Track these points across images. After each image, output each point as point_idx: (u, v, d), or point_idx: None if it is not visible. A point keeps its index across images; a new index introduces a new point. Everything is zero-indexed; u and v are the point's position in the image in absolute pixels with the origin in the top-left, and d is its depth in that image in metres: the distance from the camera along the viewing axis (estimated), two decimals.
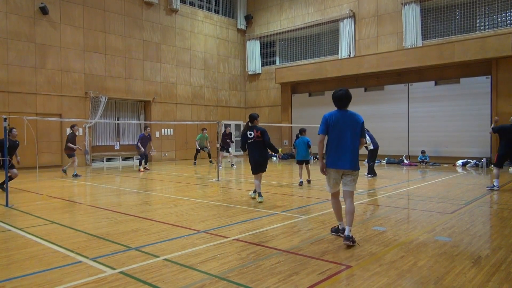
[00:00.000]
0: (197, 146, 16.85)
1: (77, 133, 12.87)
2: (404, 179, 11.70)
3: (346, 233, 4.59)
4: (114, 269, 3.83)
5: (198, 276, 3.63)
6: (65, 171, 12.96)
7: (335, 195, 4.94)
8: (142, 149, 14.50)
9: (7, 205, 7.25)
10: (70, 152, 12.58)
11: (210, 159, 17.66)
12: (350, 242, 4.51)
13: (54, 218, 6.29)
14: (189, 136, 20.42)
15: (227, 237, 4.97)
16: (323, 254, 4.27)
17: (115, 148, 18.38)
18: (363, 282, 3.48)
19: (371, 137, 11.84)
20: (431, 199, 7.82)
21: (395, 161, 16.92)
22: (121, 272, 3.74)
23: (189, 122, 18.89)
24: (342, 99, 4.77)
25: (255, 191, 7.81)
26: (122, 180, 12.07)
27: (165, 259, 4.12)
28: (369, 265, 3.92)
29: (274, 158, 20.53)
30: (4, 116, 7.37)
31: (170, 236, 5.07)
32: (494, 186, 8.99)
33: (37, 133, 14.40)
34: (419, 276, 3.60)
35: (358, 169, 4.75)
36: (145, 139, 14.80)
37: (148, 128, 15.32)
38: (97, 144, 17.60)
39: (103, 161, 17.50)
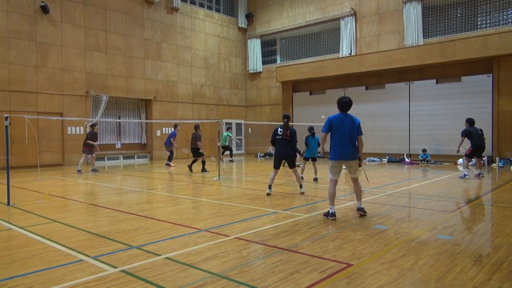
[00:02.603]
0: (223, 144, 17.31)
1: (96, 131, 13.76)
2: (405, 178, 11.70)
3: (358, 206, 6.08)
4: (115, 267, 3.84)
5: (199, 275, 3.63)
6: (95, 170, 13.52)
7: (334, 182, 6.06)
8: (176, 145, 15.41)
9: (8, 203, 7.26)
10: (86, 149, 13.42)
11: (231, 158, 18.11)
12: (363, 212, 6.02)
13: (56, 216, 6.30)
14: (190, 135, 20.35)
15: (228, 236, 4.98)
16: (324, 252, 4.27)
17: (116, 147, 18.40)
18: (364, 280, 3.48)
19: None
20: (432, 198, 7.82)
21: (396, 159, 16.91)
22: (122, 271, 3.74)
23: (190, 121, 18.86)
24: (346, 105, 6.01)
25: (269, 187, 8.22)
26: (123, 179, 12.09)
27: (166, 258, 4.13)
28: (370, 263, 3.92)
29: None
30: (6, 115, 7.38)
31: (171, 235, 5.08)
32: (466, 175, 10.76)
33: (38, 132, 14.42)
34: (420, 275, 3.60)
35: (356, 159, 6.02)
36: (174, 136, 15.58)
37: (178, 126, 15.86)
38: (98, 143, 17.56)
39: (104, 160, 17.52)
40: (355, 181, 6.15)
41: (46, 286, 3.39)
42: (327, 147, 6.38)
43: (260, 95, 23.58)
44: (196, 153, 13.50)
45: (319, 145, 10.84)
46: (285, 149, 8.12)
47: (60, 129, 15.94)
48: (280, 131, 8.13)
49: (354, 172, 6.08)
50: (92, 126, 13.68)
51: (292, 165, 8.28)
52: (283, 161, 8.79)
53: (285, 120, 8.12)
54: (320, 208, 6.77)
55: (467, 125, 11.08)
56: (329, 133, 6.05)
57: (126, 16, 18.01)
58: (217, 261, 4.01)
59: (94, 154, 13.69)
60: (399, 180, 10.85)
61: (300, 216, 6.14)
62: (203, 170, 13.42)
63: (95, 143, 13.45)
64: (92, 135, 13.49)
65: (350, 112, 6.13)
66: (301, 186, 8.34)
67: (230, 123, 22.72)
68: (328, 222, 5.67)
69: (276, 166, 8.29)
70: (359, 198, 6.14)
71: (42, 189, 9.40)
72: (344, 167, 6.18)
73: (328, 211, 5.94)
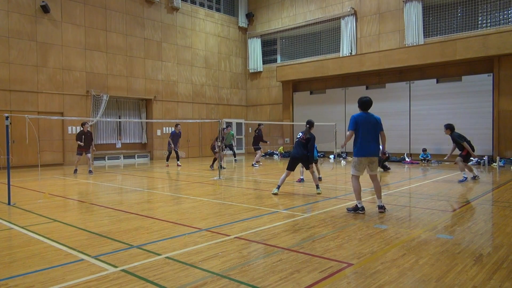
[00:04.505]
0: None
1: (87, 130, 13.13)
2: (405, 177, 11.69)
3: (379, 204, 6.32)
4: (116, 267, 3.84)
5: (199, 274, 3.63)
6: (90, 171, 13.20)
7: (357, 177, 6.33)
8: (172, 145, 15.56)
9: (9, 203, 7.27)
10: (77, 150, 13.13)
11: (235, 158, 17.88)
12: (384, 210, 6.26)
13: (56, 216, 6.31)
14: (191, 134, 20.43)
15: (229, 235, 4.98)
16: (324, 252, 4.27)
17: (117, 147, 18.40)
18: (365, 280, 3.48)
19: None
20: (433, 197, 7.81)
21: (396, 159, 16.90)
22: (123, 270, 3.75)
23: (191, 121, 18.90)
24: (367, 104, 6.31)
25: (278, 187, 8.26)
26: (123, 178, 12.10)
27: (167, 257, 4.13)
28: (371, 263, 3.92)
29: (275, 157, 20.53)
30: (6, 115, 7.38)
31: (172, 234, 5.08)
32: (466, 178, 10.23)
33: (39, 132, 14.43)
34: (420, 274, 3.60)
35: (378, 155, 6.37)
36: (175, 136, 15.63)
37: (179, 126, 15.83)
38: (99, 143, 17.62)
39: (104, 160, 17.53)
40: (375, 178, 6.41)
41: (46, 286, 3.39)
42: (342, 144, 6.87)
43: (261, 95, 23.58)
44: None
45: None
46: (301, 151, 8.19)
47: (60, 128, 15.95)
48: (299, 135, 8.35)
49: (375, 169, 6.38)
50: (82, 125, 13.10)
51: (307, 167, 8.34)
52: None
53: (307, 126, 8.40)
54: (321, 208, 6.78)
55: (448, 131, 10.53)
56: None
57: (126, 15, 18.01)
58: (218, 260, 4.01)
59: (88, 155, 13.14)
60: (400, 180, 10.84)
61: (300, 216, 6.14)
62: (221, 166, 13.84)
63: (82, 143, 12.77)
64: (79, 135, 12.92)
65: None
66: (317, 187, 8.35)
67: (230, 122, 22.74)
68: (328, 222, 5.67)
69: (290, 168, 8.28)
70: (379, 196, 6.38)
71: (43, 189, 9.41)
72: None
73: (356, 205, 6.22)
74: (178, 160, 15.94)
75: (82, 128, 13.07)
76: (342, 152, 18.44)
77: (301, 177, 10.35)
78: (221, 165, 12.96)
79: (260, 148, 15.89)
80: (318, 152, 11.21)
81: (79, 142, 12.88)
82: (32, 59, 15.18)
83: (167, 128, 19.56)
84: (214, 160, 13.96)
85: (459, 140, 10.40)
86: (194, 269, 3.77)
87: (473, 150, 10.51)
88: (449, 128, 10.60)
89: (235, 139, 17.95)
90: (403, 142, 17.49)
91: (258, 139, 15.67)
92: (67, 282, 3.46)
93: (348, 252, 4.27)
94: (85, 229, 5.40)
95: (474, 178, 10.41)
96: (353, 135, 6.28)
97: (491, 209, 6.87)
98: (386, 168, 13.00)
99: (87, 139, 13.00)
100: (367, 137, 6.18)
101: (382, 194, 6.48)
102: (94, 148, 13.56)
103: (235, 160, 17.33)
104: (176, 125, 15.72)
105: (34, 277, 3.61)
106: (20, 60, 14.86)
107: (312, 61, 20.36)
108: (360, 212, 6.16)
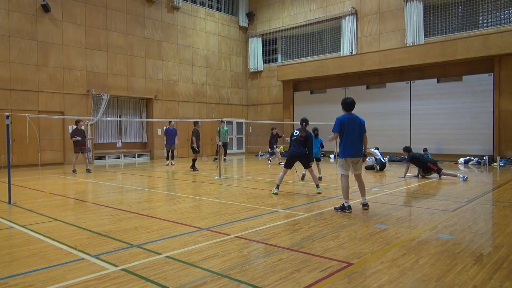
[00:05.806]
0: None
1: (81, 128, 13.04)
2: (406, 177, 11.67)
3: (363, 201, 6.53)
4: (116, 266, 3.84)
5: (200, 273, 3.64)
6: (88, 170, 13.17)
7: (346, 177, 6.43)
8: (165, 143, 15.94)
9: (9, 202, 7.28)
10: (75, 148, 13.02)
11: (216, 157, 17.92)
12: (367, 207, 6.46)
13: (57, 215, 6.31)
14: (191, 134, 20.37)
15: (229, 235, 4.98)
16: (324, 251, 4.27)
17: (117, 146, 18.41)
18: (365, 279, 3.48)
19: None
20: (433, 197, 7.81)
21: (397, 158, 16.89)
22: (123, 269, 3.75)
23: (191, 120, 18.87)
24: (351, 105, 6.43)
25: (277, 187, 8.22)
26: (124, 178, 12.10)
27: (167, 257, 4.13)
28: (371, 262, 3.92)
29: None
30: (7, 114, 7.39)
31: (172, 234, 5.08)
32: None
33: (39, 131, 14.44)
34: (420, 274, 3.60)
35: (362, 156, 6.47)
36: (168, 133, 15.79)
37: (172, 122, 15.89)
38: (99, 142, 17.63)
39: (105, 159, 17.54)
40: (359, 177, 6.55)
41: (47, 285, 3.39)
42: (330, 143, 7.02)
43: (261, 94, 23.57)
44: (193, 150, 14.10)
45: (322, 147, 11.12)
46: (299, 149, 8.11)
47: (61, 127, 15.95)
48: (296, 133, 8.24)
49: (359, 169, 6.50)
50: (76, 122, 13.02)
51: (306, 166, 8.29)
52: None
53: (303, 124, 8.25)
54: (322, 207, 6.78)
55: (406, 153, 11.09)
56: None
57: (127, 15, 18.01)
58: (218, 260, 4.01)
59: (86, 154, 13.12)
60: (400, 179, 10.84)
61: (300, 215, 6.14)
62: (192, 167, 13.78)
63: (79, 138, 12.72)
64: (75, 132, 12.86)
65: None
66: (317, 186, 8.32)
67: (231, 122, 22.75)
68: (328, 221, 5.67)
69: (287, 166, 8.25)
70: (363, 194, 6.56)
71: (43, 188, 9.41)
72: None
73: (343, 204, 6.33)
74: (172, 159, 15.96)
75: (76, 126, 13.00)
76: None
77: (304, 172, 10.29)
78: (223, 158, 12.97)
79: (274, 147, 16.36)
80: (322, 147, 11.17)
81: (76, 137, 12.79)
82: (33, 58, 15.19)
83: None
84: (194, 160, 14.03)
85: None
86: (194, 268, 3.78)
87: (426, 169, 10.81)
88: (407, 150, 11.13)
89: (228, 137, 18.08)
90: (403, 142, 17.41)
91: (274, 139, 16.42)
92: (68, 281, 3.46)
93: (348, 251, 4.27)
94: (85, 228, 5.40)
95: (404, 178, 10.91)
96: (338, 136, 6.45)
97: (491, 209, 6.87)
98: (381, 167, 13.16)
99: (81, 137, 12.87)
100: (351, 138, 6.33)
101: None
102: (91, 138, 13.43)
103: (224, 159, 17.30)
104: (169, 122, 15.85)
105: (34, 276, 3.61)
106: (20, 59, 14.87)
107: (312, 60, 20.36)
108: (346, 211, 6.24)
